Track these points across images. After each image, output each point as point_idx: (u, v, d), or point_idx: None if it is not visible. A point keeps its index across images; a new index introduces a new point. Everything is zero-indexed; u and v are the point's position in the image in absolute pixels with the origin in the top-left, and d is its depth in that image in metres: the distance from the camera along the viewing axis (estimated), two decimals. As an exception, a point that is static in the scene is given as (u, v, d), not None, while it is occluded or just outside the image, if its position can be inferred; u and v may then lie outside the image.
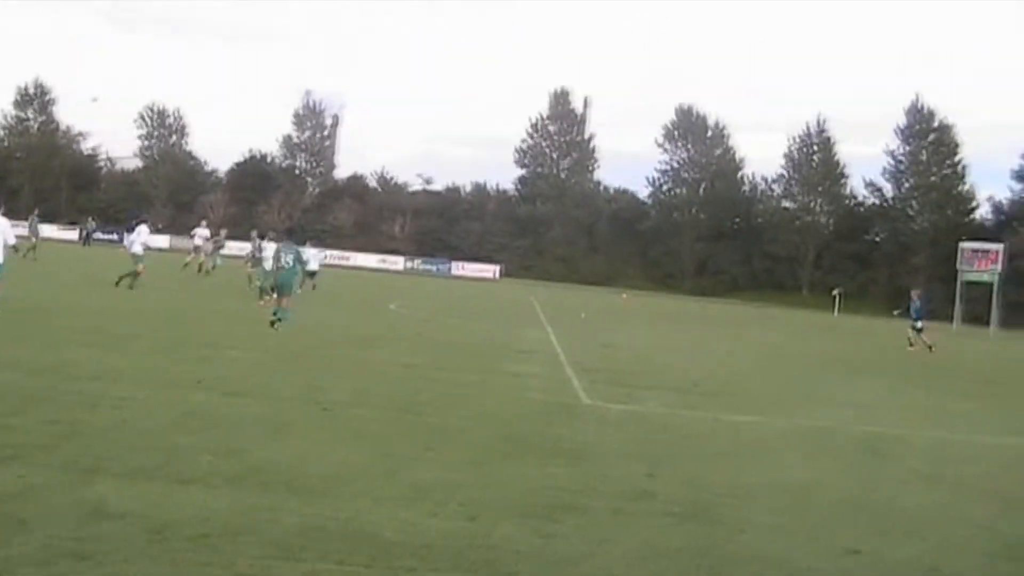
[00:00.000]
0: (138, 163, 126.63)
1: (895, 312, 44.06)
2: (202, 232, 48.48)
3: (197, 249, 47.89)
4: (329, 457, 10.24)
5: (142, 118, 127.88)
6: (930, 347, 39.01)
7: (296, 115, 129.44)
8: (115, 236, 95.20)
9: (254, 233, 40.29)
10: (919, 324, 40.49)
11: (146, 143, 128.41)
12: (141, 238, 35.31)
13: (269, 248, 31.38)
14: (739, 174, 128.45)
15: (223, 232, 41.83)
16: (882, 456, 13.84)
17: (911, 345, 39.94)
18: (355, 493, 8.86)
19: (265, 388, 14.74)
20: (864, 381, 25.70)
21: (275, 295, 26.04)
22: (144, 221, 37.25)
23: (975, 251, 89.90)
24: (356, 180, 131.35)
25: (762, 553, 8.11)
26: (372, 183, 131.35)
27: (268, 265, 30.66)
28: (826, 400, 20.36)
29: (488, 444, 11.81)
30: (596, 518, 8.78)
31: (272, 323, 24.28)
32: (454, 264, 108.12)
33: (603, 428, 13.95)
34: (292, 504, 8.25)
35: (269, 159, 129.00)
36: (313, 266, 42.04)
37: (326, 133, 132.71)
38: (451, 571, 7.02)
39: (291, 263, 25.98)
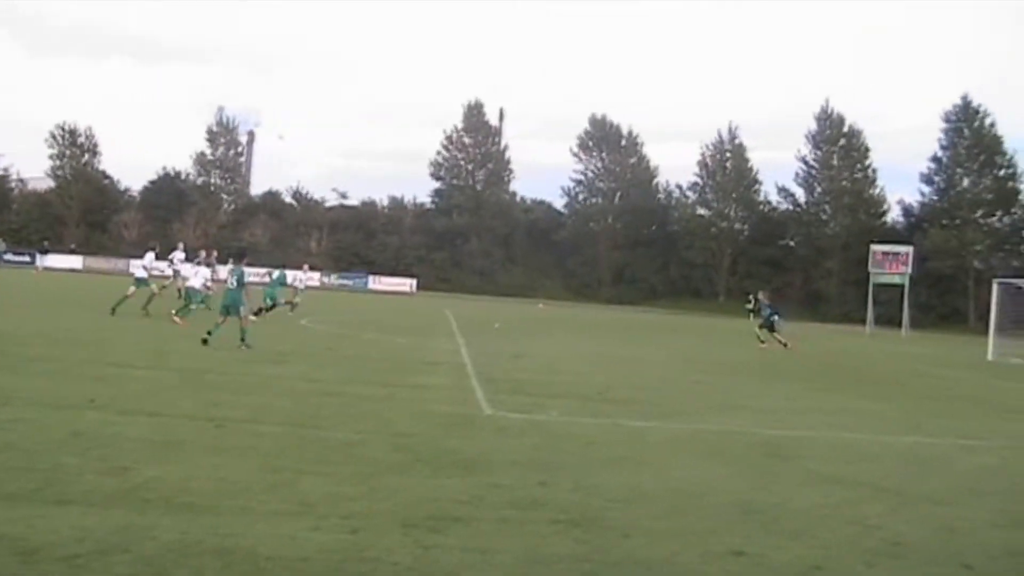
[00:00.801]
0: (50, 183, 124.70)
1: (747, 307, 44.52)
2: (179, 256, 46.50)
3: (176, 275, 45.64)
4: (215, 473, 10.12)
5: (53, 137, 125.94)
6: (785, 344, 40.29)
7: (209, 132, 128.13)
8: (27, 258, 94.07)
9: (203, 253, 40.03)
10: (774, 320, 41.88)
11: (57, 163, 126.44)
12: (144, 262, 35.85)
13: (221, 270, 31.99)
14: (654, 182, 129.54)
15: (204, 255, 39.98)
16: (780, 458, 13.91)
17: (761, 342, 41.47)
18: (237, 509, 8.76)
19: (161, 406, 14.54)
20: (773, 386, 25.85)
21: (221, 316, 25.93)
22: (151, 249, 37.44)
23: (886, 254, 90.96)
24: (272, 196, 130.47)
25: (645, 557, 8.12)
26: (288, 199, 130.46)
27: (198, 285, 31.64)
28: (732, 405, 20.45)
29: (380, 457, 11.72)
30: (481, 528, 8.74)
31: (204, 340, 24.45)
32: (371, 278, 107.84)
33: (501, 438, 13.91)
34: (170, 521, 8.14)
35: (183, 176, 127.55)
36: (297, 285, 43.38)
37: (240, 150, 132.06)
38: (325, 585, 6.96)
39: (235, 284, 25.98)
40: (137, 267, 35.54)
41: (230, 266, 30.97)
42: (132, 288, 34.24)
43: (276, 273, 41.42)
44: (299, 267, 49.60)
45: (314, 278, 75.32)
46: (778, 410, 20.12)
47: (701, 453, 13.88)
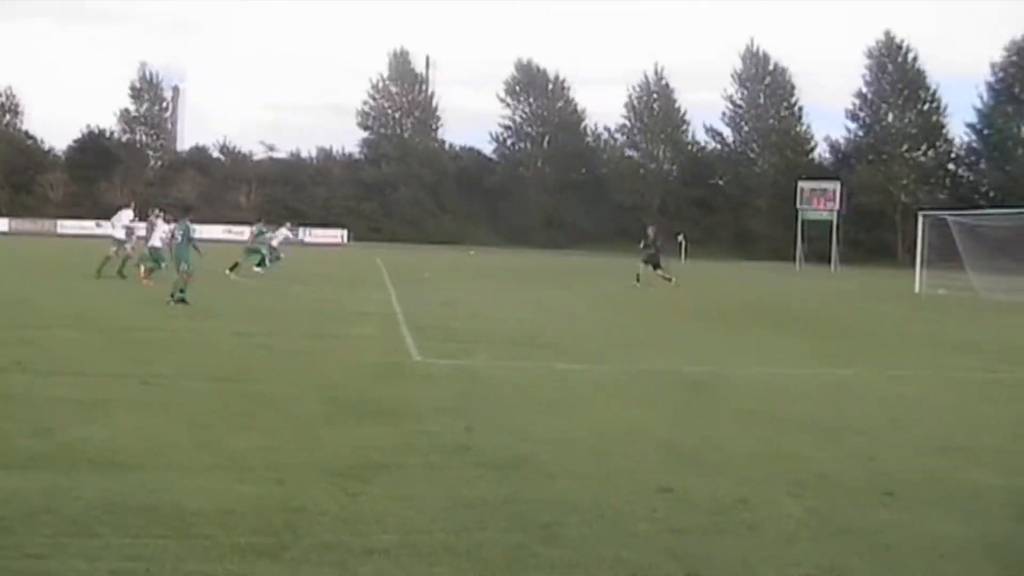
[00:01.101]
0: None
1: (640, 244, 44.58)
2: (127, 215, 44.26)
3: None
4: (142, 431, 10.08)
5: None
6: (670, 279, 41.22)
7: (133, 88, 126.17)
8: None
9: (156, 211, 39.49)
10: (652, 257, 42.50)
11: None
12: (122, 221, 35.52)
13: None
14: (582, 126, 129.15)
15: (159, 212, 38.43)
16: (705, 396, 14.05)
17: (637, 281, 41.92)
18: (164, 466, 8.74)
19: (88, 366, 14.51)
20: (701, 325, 26.08)
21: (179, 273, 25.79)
22: (126, 207, 37.09)
23: (813, 190, 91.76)
24: (199, 152, 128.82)
25: (571, 499, 8.17)
26: (216, 154, 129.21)
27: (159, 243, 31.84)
28: (660, 345, 20.68)
29: (308, 408, 11.74)
30: (407, 475, 8.79)
31: (176, 300, 24.44)
32: (301, 231, 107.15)
33: (429, 385, 13.96)
34: (96, 480, 8.12)
35: (108, 135, 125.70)
36: (275, 242, 42.70)
37: (165, 106, 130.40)
38: (251, 535, 6.93)
39: (181, 239, 25.90)
40: (116, 228, 35.04)
41: (172, 225, 30.88)
42: (113, 249, 34.07)
43: (256, 229, 41.20)
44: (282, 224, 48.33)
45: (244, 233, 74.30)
46: (705, 348, 20.33)
47: (627, 394, 14.03)
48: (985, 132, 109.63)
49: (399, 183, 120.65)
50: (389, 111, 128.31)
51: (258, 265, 37.96)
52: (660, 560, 6.83)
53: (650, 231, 44.00)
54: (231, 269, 36.29)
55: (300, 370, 14.87)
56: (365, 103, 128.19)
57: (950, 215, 51.68)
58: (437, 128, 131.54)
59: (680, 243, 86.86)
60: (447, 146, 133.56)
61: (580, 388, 14.40)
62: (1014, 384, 17.14)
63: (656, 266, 42.02)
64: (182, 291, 24.66)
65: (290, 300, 28.57)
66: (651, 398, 13.74)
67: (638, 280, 41.72)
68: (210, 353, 16.40)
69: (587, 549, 6.96)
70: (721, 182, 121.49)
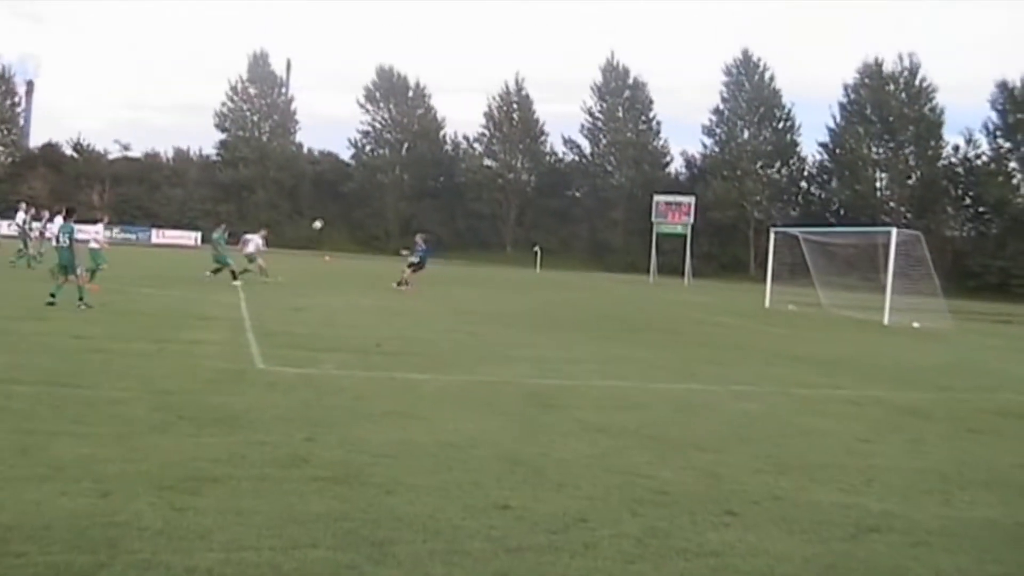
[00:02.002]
0: None
1: (402, 252, 44.65)
2: (21, 216, 42.38)
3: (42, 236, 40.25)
4: (-40, 438, 9.66)
5: None
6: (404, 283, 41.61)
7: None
8: None
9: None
10: (414, 261, 42.67)
11: None
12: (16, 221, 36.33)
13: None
14: (441, 134, 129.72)
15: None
16: (550, 408, 13.93)
17: (399, 284, 41.98)
18: (-20, 475, 8.36)
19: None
20: (552, 336, 26.00)
21: (60, 276, 25.09)
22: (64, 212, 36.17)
23: (668, 204, 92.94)
24: (51, 148, 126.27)
25: (407, 514, 7.95)
26: (69, 151, 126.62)
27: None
28: (508, 356, 20.53)
29: (141, 416, 11.28)
30: (239, 488, 8.46)
31: (48, 303, 23.78)
32: (154, 232, 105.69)
33: (271, 393, 13.60)
34: (-96, 493, 7.73)
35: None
36: (250, 249, 42.19)
37: (17, 100, 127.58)
38: (67, 552, 6.58)
39: (66, 242, 25.09)
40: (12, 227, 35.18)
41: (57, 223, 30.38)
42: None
43: (217, 233, 40.98)
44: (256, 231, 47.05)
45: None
46: (553, 360, 20.24)
47: (472, 405, 13.83)
48: (836, 151, 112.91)
49: (256, 186, 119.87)
50: (247, 113, 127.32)
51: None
52: (494, 580, 6.66)
53: (418, 238, 43.74)
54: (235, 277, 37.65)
55: (135, 376, 14.32)
56: (223, 104, 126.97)
57: (800, 231, 52.58)
58: (295, 131, 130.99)
59: (535, 253, 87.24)
60: (305, 150, 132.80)
61: (425, 398, 14.17)
62: (855, 400, 17.32)
63: (419, 268, 42.77)
64: (79, 297, 24.22)
65: (135, 302, 27.84)
66: (496, 409, 13.58)
67: (400, 284, 42.07)
68: (44, 355, 15.82)
69: (418, 568, 6.75)
70: (578, 194, 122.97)
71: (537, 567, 6.96)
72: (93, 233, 32.16)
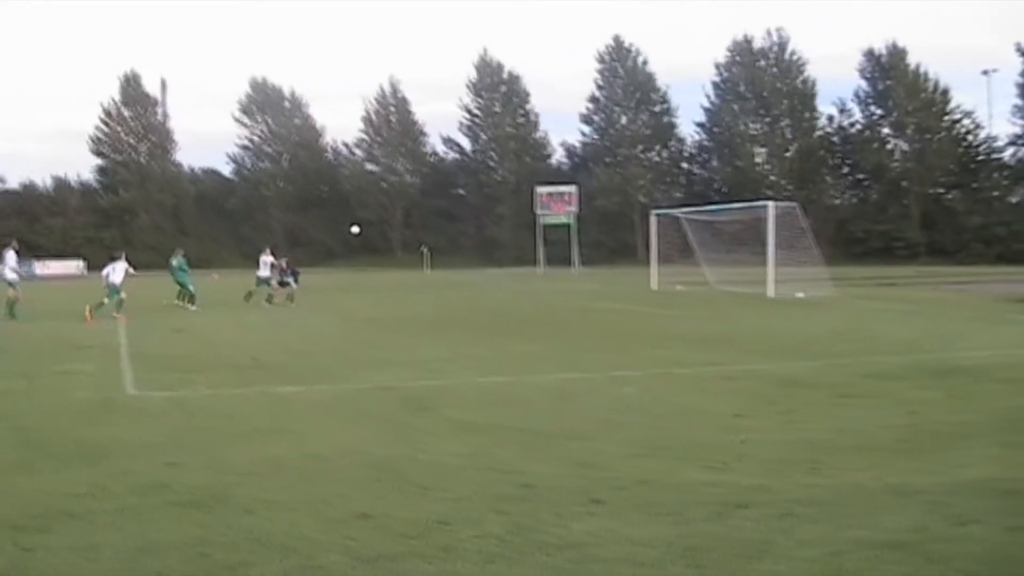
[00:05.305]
0: None
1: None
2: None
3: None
4: None
5: None
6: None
7: None
8: None
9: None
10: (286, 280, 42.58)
11: None
12: (11, 264, 34.84)
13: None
14: (321, 142, 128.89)
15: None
16: (422, 411, 13.86)
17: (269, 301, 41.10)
18: None
19: None
20: (434, 337, 25.87)
21: None
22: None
23: (551, 195, 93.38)
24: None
25: (264, 532, 7.77)
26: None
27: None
28: (387, 361, 20.39)
29: (3, 456, 10.95)
30: (95, 521, 8.19)
31: None
32: (36, 264, 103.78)
33: (139, 420, 13.32)
34: None
35: None
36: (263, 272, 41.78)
37: None
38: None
39: None
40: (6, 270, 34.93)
41: None
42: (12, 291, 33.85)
43: (176, 259, 40.35)
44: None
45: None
46: (432, 361, 20.13)
47: (344, 414, 13.72)
48: (714, 130, 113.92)
49: (138, 209, 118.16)
50: (123, 136, 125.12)
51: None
52: (347, 593, 6.54)
53: (283, 262, 43.34)
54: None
55: (0, 414, 13.97)
56: (98, 128, 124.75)
57: (682, 212, 52.99)
58: (174, 151, 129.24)
59: (423, 254, 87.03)
60: (187, 168, 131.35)
61: (296, 411, 14.01)
62: (734, 376, 17.45)
63: (281, 284, 42.25)
64: None
65: (10, 337, 27.26)
66: (368, 416, 13.48)
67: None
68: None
69: (268, 590, 6.61)
70: (463, 191, 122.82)
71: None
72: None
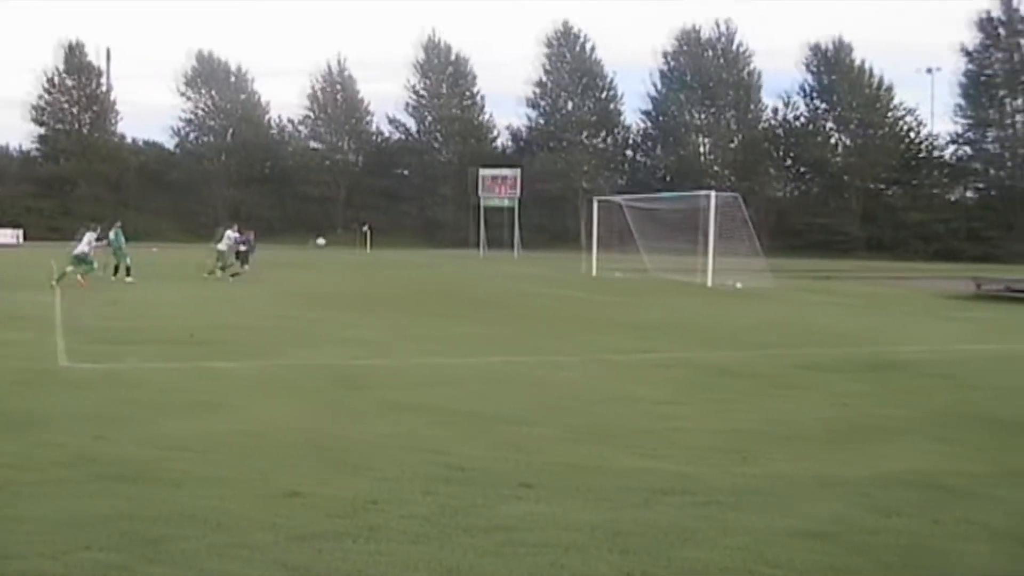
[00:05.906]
0: None
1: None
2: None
3: None
4: None
5: None
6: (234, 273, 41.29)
7: None
8: None
9: None
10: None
11: None
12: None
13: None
14: (266, 118, 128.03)
15: None
16: (360, 389, 13.86)
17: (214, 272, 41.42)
18: None
19: None
20: (373, 316, 25.87)
21: None
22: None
23: (494, 178, 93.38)
24: None
25: (191, 508, 7.72)
26: None
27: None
28: (324, 338, 20.37)
29: (-73, 427, 10.88)
30: (18, 493, 8.12)
31: None
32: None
33: (70, 391, 13.23)
34: None
35: None
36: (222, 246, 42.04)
37: None
38: None
39: None
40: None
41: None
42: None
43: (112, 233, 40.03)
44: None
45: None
46: (370, 341, 20.14)
47: (279, 391, 13.69)
48: (660, 118, 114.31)
49: (79, 179, 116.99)
50: (66, 105, 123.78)
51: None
52: (271, 572, 6.49)
53: (250, 235, 43.62)
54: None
55: (-74, 385, 13.82)
56: (40, 97, 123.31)
57: (623, 199, 53.12)
58: (116, 122, 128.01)
59: (364, 233, 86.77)
60: (129, 140, 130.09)
61: (230, 387, 13.97)
62: (669, 364, 17.53)
63: (238, 256, 43.27)
64: None
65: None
66: (303, 394, 13.47)
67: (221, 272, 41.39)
68: None
69: (193, 564, 6.55)
70: (406, 172, 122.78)
71: (318, 554, 6.81)
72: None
